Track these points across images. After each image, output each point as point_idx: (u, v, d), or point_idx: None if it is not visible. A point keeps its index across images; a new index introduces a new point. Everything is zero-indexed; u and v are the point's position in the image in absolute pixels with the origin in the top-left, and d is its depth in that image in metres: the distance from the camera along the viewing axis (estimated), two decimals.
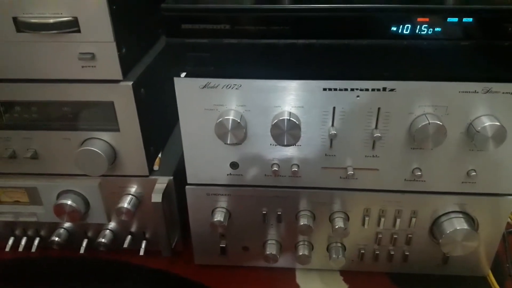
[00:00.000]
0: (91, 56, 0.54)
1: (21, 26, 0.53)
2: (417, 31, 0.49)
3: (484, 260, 0.66)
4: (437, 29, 0.48)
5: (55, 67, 0.56)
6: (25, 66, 0.56)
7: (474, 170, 0.57)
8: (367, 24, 0.49)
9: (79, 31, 0.53)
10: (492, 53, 0.50)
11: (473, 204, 0.61)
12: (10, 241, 0.70)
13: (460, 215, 0.61)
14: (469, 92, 0.52)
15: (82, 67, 0.55)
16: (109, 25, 0.52)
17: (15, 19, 0.52)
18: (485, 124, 0.52)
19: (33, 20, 0.52)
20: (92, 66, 0.55)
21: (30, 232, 0.71)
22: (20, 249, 0.70)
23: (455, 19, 0.48)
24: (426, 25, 0.48)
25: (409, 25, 0.48)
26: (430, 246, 0.65)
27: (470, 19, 0.47)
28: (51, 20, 0.52)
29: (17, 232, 0.71)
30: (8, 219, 0.69)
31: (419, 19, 0.48)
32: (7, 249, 0.70)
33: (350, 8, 0.48)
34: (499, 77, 0.51)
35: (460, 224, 0.60)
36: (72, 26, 0.52)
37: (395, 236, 0.64)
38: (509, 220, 0.67)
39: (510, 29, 0.47)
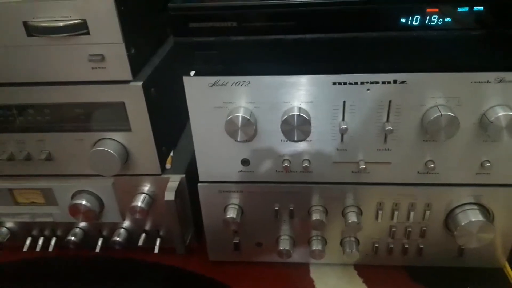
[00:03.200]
0: (100, 58, 0.54)
1: (31, 30, 0.53)
2: (426, 22, 0.48)
3: (500, 251, 0.65)
4: (447, 19, 0.48)
5: (66, 69, 0.56)
6: (36, 70, 0.57)
7: (489, 161, 0.57)
8: (376, 16, 0.49)
9: (88, 33, 0.53)
10: (504, 42, 0.49)
11: (488, 195, 0.60)
12: (28, 241, 0.72)
13: (475, 207, 0.60)
14: (482, 82, 0.51)
15: (92, 68, 0.56)
16: (118, 26, 0.53)
17: (25, 24, 0.53)
18: (499, 114, 0.51)
19: (43, 24, 0.53)
20: (102, 68, 0.56)
21: (46, 232, 0.72)
22: (38, 249, 0.71)
23: (466, 9, 0.47)
24: (436, 16, 0.47)
25: (419, 16, 0.48)
26: (445, 239, 0.64)
27: (481, 8, 0.47)
28: (61, 24, 0.52)
29: (34, 232, 0.72)
30: (25, 219, 0.70)
31: (429, 10, 0.47)
32: (25, 249, 0.71)
33: (358, 0, 0.48)
34: None
35: (475, 215, 0.59)
36: (81, 28, 0.53)
37: (409, 229, 0.63)
38: None
39: None
